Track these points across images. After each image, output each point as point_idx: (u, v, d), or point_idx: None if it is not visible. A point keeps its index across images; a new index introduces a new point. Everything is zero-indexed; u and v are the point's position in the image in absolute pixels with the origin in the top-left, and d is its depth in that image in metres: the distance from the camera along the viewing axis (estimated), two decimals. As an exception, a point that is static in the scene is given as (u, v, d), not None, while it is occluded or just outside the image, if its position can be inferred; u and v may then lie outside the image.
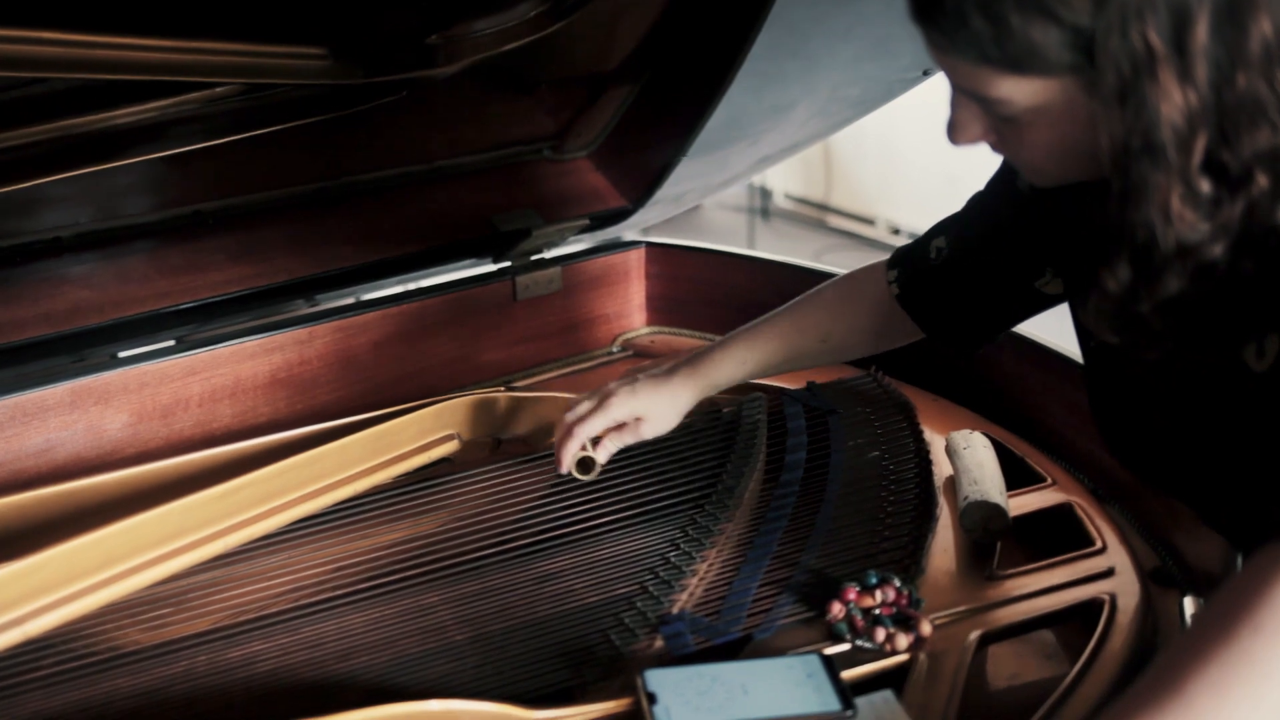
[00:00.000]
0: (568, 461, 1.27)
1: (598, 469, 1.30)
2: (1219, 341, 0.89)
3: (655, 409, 1.28)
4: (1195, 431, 0.96)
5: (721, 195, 4.56)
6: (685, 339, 1.78)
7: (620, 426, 1.29)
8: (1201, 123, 0.78)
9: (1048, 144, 0.87)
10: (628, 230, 1.83)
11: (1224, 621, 0.75)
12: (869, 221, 4.78)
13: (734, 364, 1.30)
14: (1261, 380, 0.86)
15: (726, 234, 4.73)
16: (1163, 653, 0.79)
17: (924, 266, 1.23)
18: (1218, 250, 0.82)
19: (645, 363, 1.38)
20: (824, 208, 4.99)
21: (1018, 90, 0.82)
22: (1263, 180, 0.79)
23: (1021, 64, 0.80)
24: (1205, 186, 0.79)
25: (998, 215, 1.17)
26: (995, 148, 0.92)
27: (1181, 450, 0.99)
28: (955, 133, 0.91)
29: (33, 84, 1.31)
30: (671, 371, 1.30)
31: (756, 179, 4.92)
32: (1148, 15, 0.75)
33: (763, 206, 5.10)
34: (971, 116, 0.89)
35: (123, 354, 1.46)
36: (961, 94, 0.88)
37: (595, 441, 1.29)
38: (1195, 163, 0.78)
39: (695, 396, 1.30)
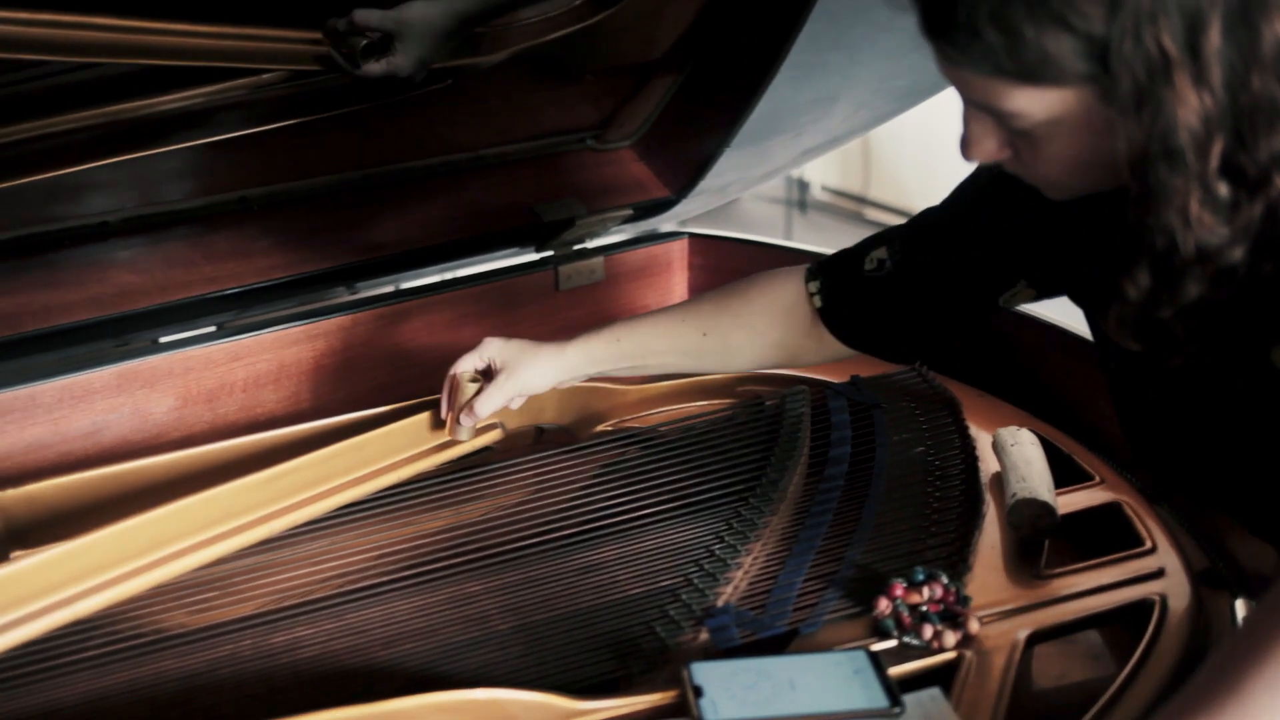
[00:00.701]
0: (445, 390, 1.29)
1: (472, 426, 1.30)
2: (1243, 345, 0.89)
3: (520, 363, 1.26)
4: (1228, 439, 0.95)
5: (758, 187, 4.54)
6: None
7: (492, 378, 1.27)
8: (1218, 126, 0.77)
9: (1064, 156, 0.86)
10: (667, 221, 1.82)
11: (1278, 618, 0.74)
12: (907, 215, 4.75)
13: (606, 344, 1.26)
14: None
15: (763, 226, 4.71)
16: (1217, 651, 0.78)
17: (857, 279, 1.19)
18: (1238, 253, 0.82)
19: None
20: (862, 200, 4.96)
21: (1033, 102, 0.81)
22: None
23: (1036, 75, 0.79)
24: (1224, 190, 0.79)
25: (965, 228, 1.15)
26: (1010, 164, 0.91)
27: (1216, 459, 0.98)
28: (969, 149, 0.89)
29: (83, 69, 1.33)
30: (549, 342, 1.29)
31: (794, 171, 4.90)
32: (1161, 20, 0.75)
33: (800, 199, 5.08)
34: (985, 132, 0.88)
35: (168, 338, 1.47)
36: (975, 109, 0.87)
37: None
38: (1213, 166, 0.78)
39: (562, 367, 1.27)
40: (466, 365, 1.29)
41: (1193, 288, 0.84)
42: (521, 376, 1.27)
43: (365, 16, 1.33)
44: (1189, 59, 0.76)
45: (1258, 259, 0.83)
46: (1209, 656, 0.81)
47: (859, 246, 1.20)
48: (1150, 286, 0.85)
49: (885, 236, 1.20)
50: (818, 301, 1.21)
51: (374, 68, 1.36)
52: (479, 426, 1.32)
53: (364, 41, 1.35)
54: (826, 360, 1.27)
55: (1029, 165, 0.89)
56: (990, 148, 0.89)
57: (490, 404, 1.27)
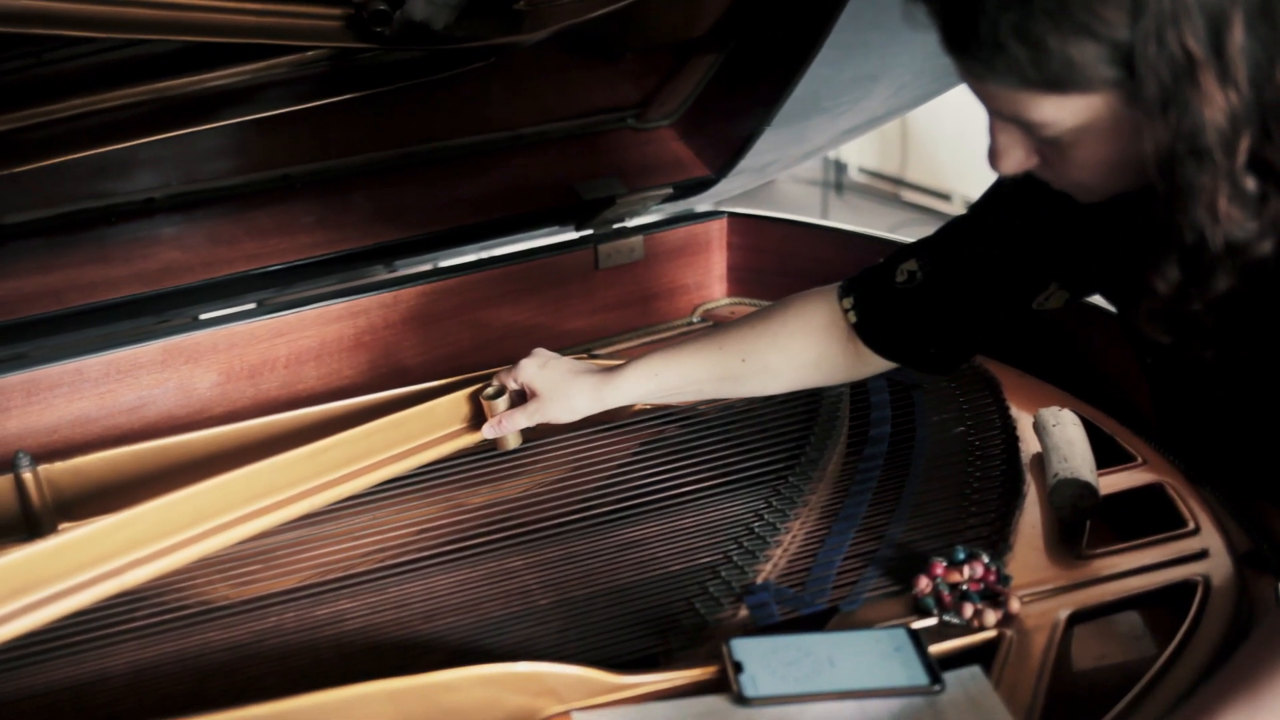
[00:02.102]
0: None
1: (502, 435, 1.29)
2: (1275, 335, 0.88)
3: (553, 394, 1.26)
4: (1264, 429, 0.95)
5: (795, 168, 4.53)
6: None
7: (523, 400, 1.28)
8: (1245, 122, 0.78)
9: (1094, 160, 0.86)
10: (706, 201, 1.82)
11: None
12: (945, 197, 4.72)
13: (644, 377, 1.25)
14: None
15: (799, 207, 4.70)
16: (1260, 628, 0.78)
17: (889, 292, 1.19)
18: (1267, 246, 0.82)
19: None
20: (899, 182, 4.94)
21: (1060, 110, 0.82)
22: None
23: (1062, 83, 0.79)
24: (1251, 184, 0.80)
25: (992, 236, 1.14)
26: (1039, 171, 0.91)
27: (1252, 449, 0.97)
28: (998, 160, 0.89)
29: (130, 46, 1.34)
30: (588, 369, 1.28)
31: (831, 152, 4.88)
32: (1184, 22, 0.75)
33: (836, 180, 5.05)
34: (1013, 142, 0.88)
35: (211, 314, 1.49)
36: (1001, 120, 0.87)
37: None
38: (1240, 162, 0.79)
39: (593, 402, 1.26)
40: (498, 383, 1.29)
41: (1222, 281, 0.84)
42: (552, 410, 1.27)
43: None
44: (1213, 58, 0.76)
45: None
46: (1242, 645, 0.80)
47: (889, 260, 1.21)
48: (1180, 281, 0.85)
49: (914, 248, 1.20)
50: (853, 317, 1.21)
51: (395, 22, 1.35)
52: None
53: (381, 5, 1.34)
54: (866, 375, 1.27)
55: (1059, 171, 0.89)
56: (1019, 157, 0.89)
57: (514, 427, 1.28)
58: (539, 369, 1.27)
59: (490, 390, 1.29)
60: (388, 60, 1.47)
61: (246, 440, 1.36)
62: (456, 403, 1.35)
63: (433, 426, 1.32)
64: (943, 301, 1.17)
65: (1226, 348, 0.90)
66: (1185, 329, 0.89)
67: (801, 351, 1.24)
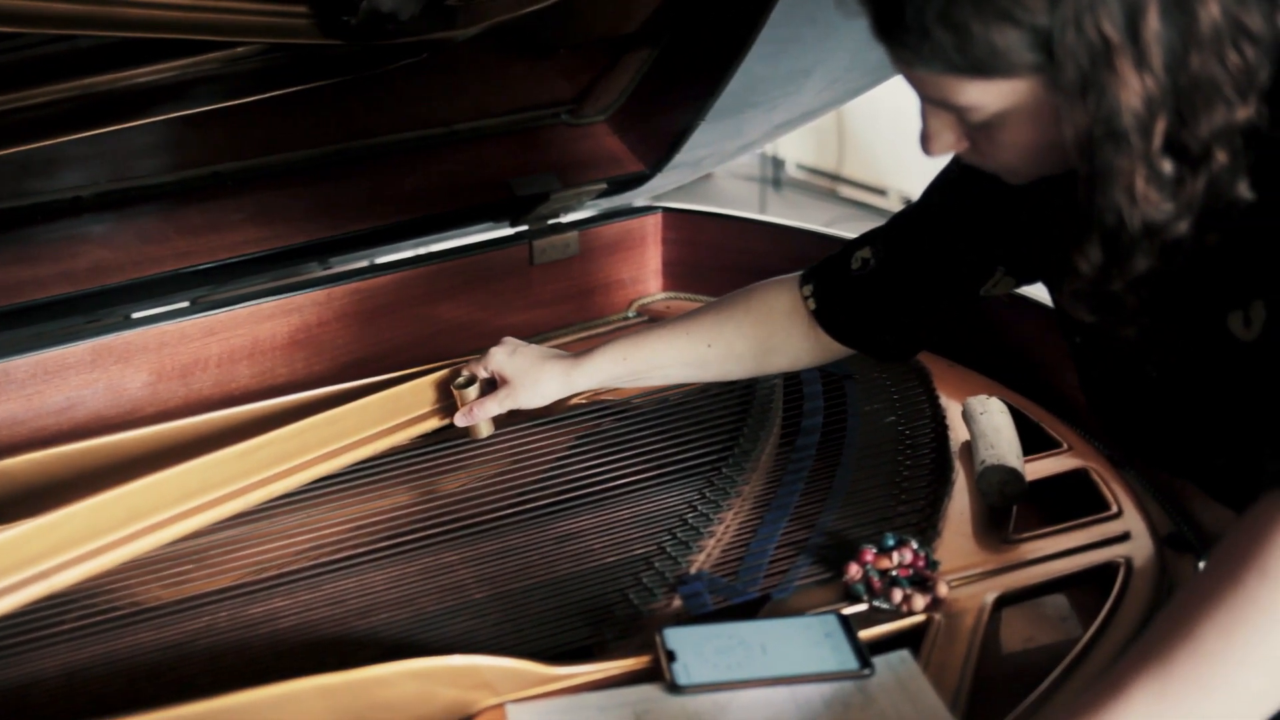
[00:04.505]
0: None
1: (475, 424, 1.31)
2: (1196, 313, 0.91)
3: (522, 379, 1.28)
4: (1188, 406, 0.97)
5: (733, 164, 4.54)
6: (701, 305, 1.78)
7: (494, 386, 1.30)
8: (1160, 106, 0.80)
9: (1019, 143, 0.88)
10: (642, 196, 1.82)
11: (1230, 568, 0.76)
12: (881, 192, 4.77)
13: (612, 361, 1.28)
14: (1251, 348, 0.89)
15: (738, 203, 4.72)
16: (1171, 601, 0.80)
17: (845, 279, 1.22)
18: (1183, 226, 0.84)
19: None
20: (836, 178, 4.98)
21: (985, 94, 0.84)
22: (1221, 156, 0.82)
23: (986, 68, 0.82)
24: (1168, 167, 0.82)
25: (940, 224, 1.17)
26: (968, 155, 0.94)
27: (1177, 426, 1.00)
28: (929, 143, 0.92)
29: (55, 41, 1.32)
30: (556, 354, 1.31)
31: (768, 148, 4.91)
32: (1100, 8, 0.77)
33: (774, 176, 5.09)
34: (943, 126, 0.90)
35: (142, 314, 1.47)
36: (931, 105, 0.89)
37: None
38: (1157, 145, 0.81)
39: (563, 385, 1.29)
40: (469, 372, 1.31)
41: (1141, 261, 0.86)
42: (521, 396, 1.29)
43: None
44: (1129, 43, 0.78)
45: (1203, 231, 0.86)
46: (1165, 605, 0.83)
47: (846, 247, 1.23)
48: (1101, 261, 0.88)
49: (869, 236, 1.23)
50: (812, 304, 1.24)
51: (361, 10, 1.35)
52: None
53: None
54: (826, 360, 1.29)
55: (987, 154, 0.92)
56: (949, 140, 0.91)
57: (485, 414, 1.30)
58: (508, 356, 1.29)
59: (461, 379, 1.31)
60: (320, 56, 1.46)
61: (178, 440, 1.35)
62: (391, 400, 1.35)
63: (366, 424, 1.32)
64: (895, 288, 1.20)
65: (1149, 326, 0.93)
66: (1108, 308, 0.92)
67: (765, 338, 1.26)
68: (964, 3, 0.79)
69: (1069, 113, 0.82)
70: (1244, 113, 0.81)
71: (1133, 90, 0.79)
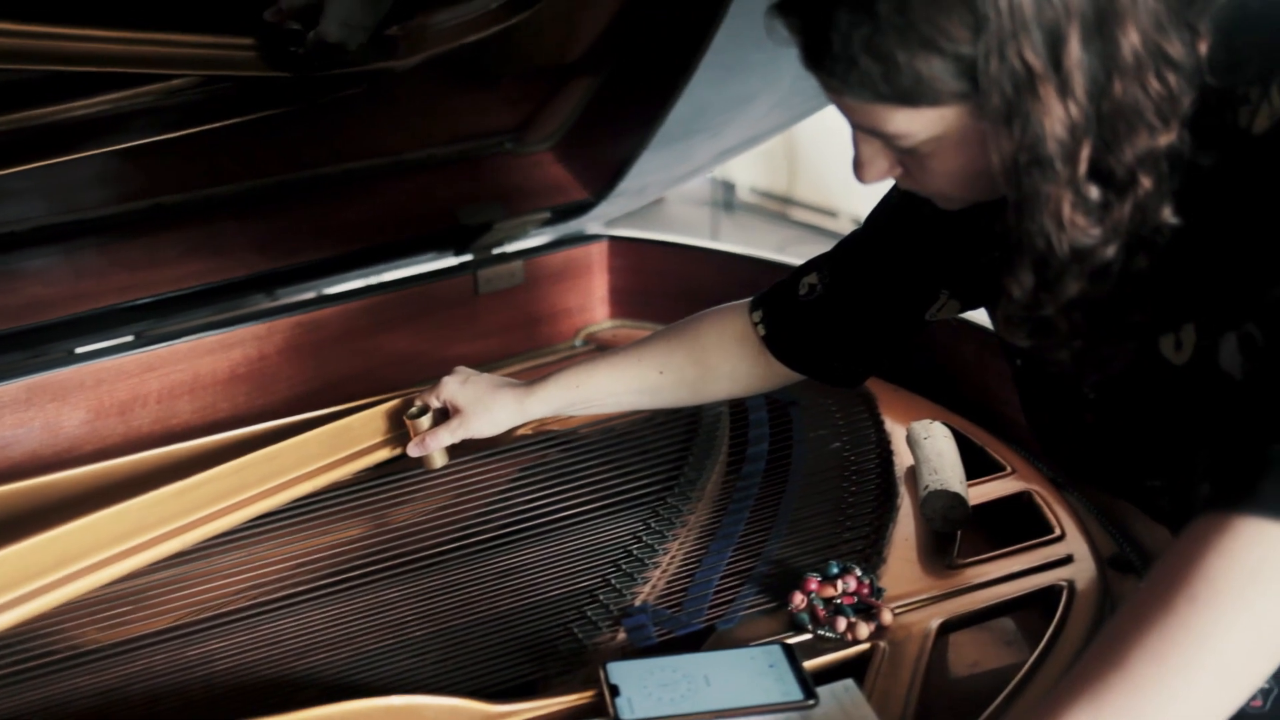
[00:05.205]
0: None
1: (428, 454, 1.29)
2: (1127, 336, 0.92)
3: (476, 408, 1.28)
4: (1126, 430, 0.98)
5: (685, 188, 4.55)
6: (648, 332, 1.77)
7: (447, 416, 1.29)
8: (1085, 133, 0.80)
9: (950, 170, 0.89)
10: (591, 223, 1.82)
11: (1161, 593, 0.76)
12: (832, 214, 4.80)
13: (565, 389, 1.27)
14: (1182, 372, 0.89)
15: (690, 227, 4.73)
16: (1104, 628, 0.80)
17: (793, 305, 1.22)
18: (1110, 251, 0.85)
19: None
20: (787, 200, 5.00)
21: (913, 122, 0.84)
22: (1146, 182, 0.82)
23: (913, 97, 0.82)
24: (1094, 193, 0.82)
25: (883, 249, 1.18)
26: (902, 181, 0.94)
27: (1116, 450, 1.01)
28: (861, 171, 0.93)
29: (-15, 76, 1.30)
30: (509, 383, 1.30)
31: (720, 172, 4.92)
32: (1023, 37, 0.77)
33: (726, 199, 5.10)
34: (875, 153, 0.91)
35: (80, 350, 1.45)
36: (862, 132, 0.90)
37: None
38: (1082, 171, 0.81)
39: (515, 414, 1.28)
40: (425, 400, 1.30)
41: (1071, 286, 0.87)
42: (474, 424, 1.28)
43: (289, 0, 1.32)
44: (1052, 71, 0.78)
45: (1130, 255, 0.87)
46: (1099, 631, 0.83)
47: (794, 274, 1.24)
48: (1032, 286, 0.88)
49: (815, 262, 1.24)
50: (762, 330, 1.24)
51: (308, 40, 1.35)
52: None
53: (294, 25, 1.33)
54: (778, 386, 1.29)
55: (919, 181, 0.93)
56: (882, 167, 0.92)
57: (439, 444, 1.29)
58: (460, 385, 1.28)
59: (414, 410, 1.29)
60: (259, 87, 1.45)
61: (117, 478, 1.33)
62: (331, 435, 1.33)
63: (307, 459, 1.30)
64: (841, 313, 1.20)
65: (1083, 350, 0.94)
66: (1041, 333, 0.92)
67: (717, 364, 1.26)
68: (889, 32, 0.79)
69: (995, 140, 0.82)
70: (1167, 138, 0.82)
71: (1056, 117, 0.79)
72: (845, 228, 4.69)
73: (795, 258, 1.66)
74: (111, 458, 1.34)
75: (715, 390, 1.29)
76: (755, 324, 1.24)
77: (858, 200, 4.60)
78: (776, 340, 1.23)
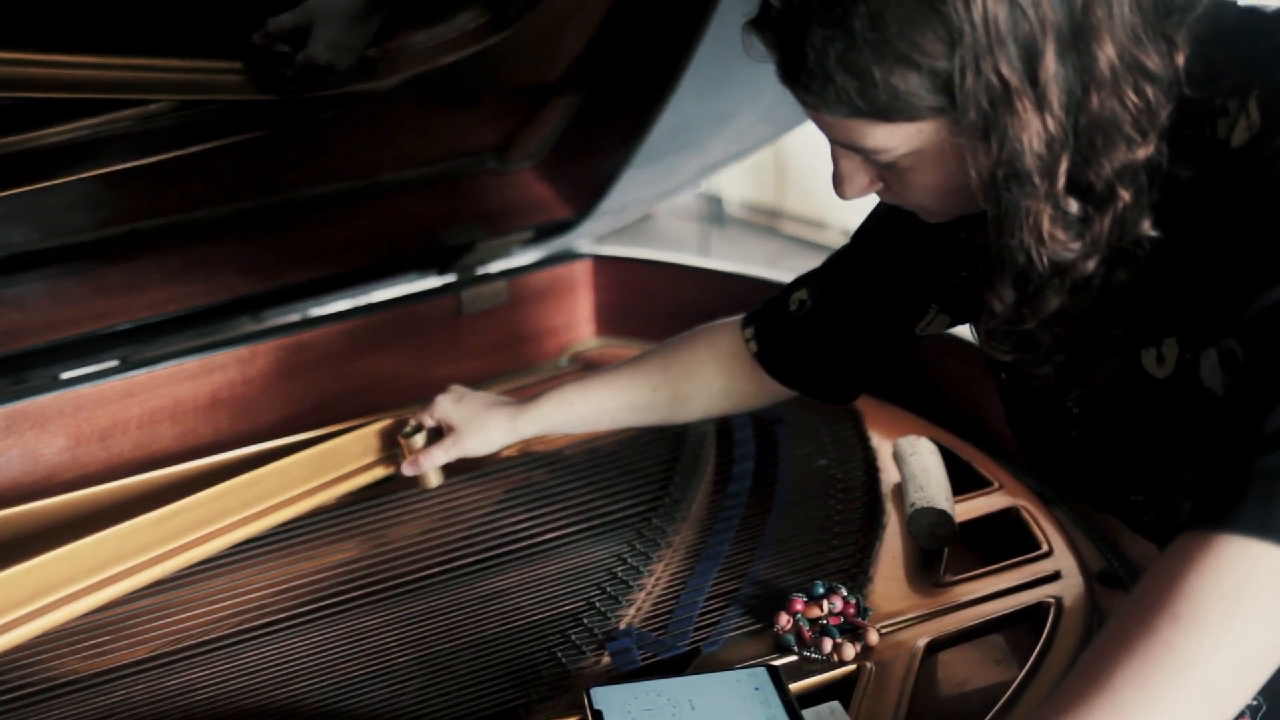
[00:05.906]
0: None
1: (422, 472, 1.29)
2: (1109, 350, 0.92)
3: (469, 426, 1.28)
4: (1109, 444, 0.98)
5: (674, 203, 4.55)
6: (635, 351, 1.77)
7: (441, 435, 1.29)
8: (1062, 147, 0.80)
9: (930, 185, 0.89)
10: (578, 241, 1.81)
11: (1144, 613, 0.76)
12: (821, 226, 4.80)
13: (558, 406, 1.28)
14: (1164, 386, 0.89)
15: (679, 242, 4.72)
16: (1088, 648, 0.79)
17: (784, 321, 1.22)
18: (1091, 265, 0.85)
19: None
20: (776, 213, 5.00)
21: (891, 138, 0.84)
22: (1125, 195, 0.82)
23: (889, 112, 0.82)
24: (1073, 206, 0.82)
25: (871, 263, 1.17)
26: (884, 195, 0.94)
27: (1100, 464, 1.00)
28: (842, 186, 0.92)
29: (-40, 103, 1.29)
30: (502, 401, 1.30)
31: (708, 186, 4.92)
32: (998, 51, 0.77)
33: (715, 213, 5.10)
34: (855, 168, 0.91)
35: (60, 377, 1.43)
36: (841, 148, 0.89)
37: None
38: (1061, 185, 0.81)
39: (509, 432, 1.28)
40: (419, 418, 1.30)
41: (1052, 300, 0.87)
42: (468, 443, 1.28)
43: (278, 22, 1.32)
44: (1028, 85, 0.78)
45: (1111, 269, 0.86)
46: (1082, 652, 0.82)
47: (785, 289, 1.24)
48: (1013, 300, 0.88)
49: (805, 278, 1.23)
50: (754, 346, 1.23)
51: (297, 63, 1.34)
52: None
53: (282, 48, 1.33)
54: (771, 402, 1.29)
55: (900, 195, 0.92)
56: (862, 182, 0.91)
57: (433, 463, 1.29)
58: (454, 404, 1.29)
59: (408, 429, 1.29)
60: (237, 110, 1.44)
61: (97, 505, 1.32)
62: (314, 459, 1.32)
63: (289, 485, 1.30)
64: (831, 329, 1.19)
65: (1066, 364, 0.93)
66: (1023, 346, 0.92)
67: (711, 380, 1.26)
68: (864, 47, 0.79)
69: (973, 155, 0.82)
70: (1145, 151, 0.81)
71: (1033, 131, 0.79)
72: (835, 239, 4.69)
73: (785, 271, 1.65)
74: (92, 485, 1.33)
75: (708, 407, 1.28)
76: (747, 340, 1.24)
77: (847, 212, 4.59)
78: (769, 356, 1.23)
